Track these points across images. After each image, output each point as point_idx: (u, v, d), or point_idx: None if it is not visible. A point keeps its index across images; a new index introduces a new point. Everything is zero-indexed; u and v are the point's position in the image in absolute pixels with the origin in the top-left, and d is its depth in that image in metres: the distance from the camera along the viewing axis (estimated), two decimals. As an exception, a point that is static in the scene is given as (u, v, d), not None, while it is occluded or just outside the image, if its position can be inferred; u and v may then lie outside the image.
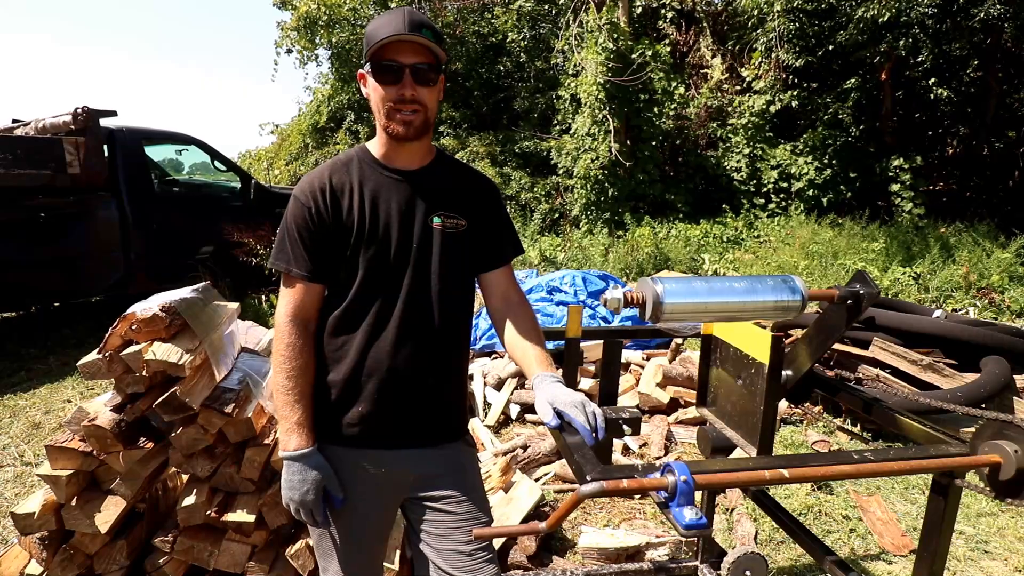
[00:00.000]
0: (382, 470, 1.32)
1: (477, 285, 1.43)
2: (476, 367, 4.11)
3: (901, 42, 8.89)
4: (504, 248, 1.41)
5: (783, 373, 1.60)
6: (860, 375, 3.60)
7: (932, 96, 9.54)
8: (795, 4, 9.38)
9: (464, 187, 1.37)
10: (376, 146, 1.33)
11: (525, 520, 2.44)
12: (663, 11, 11.29)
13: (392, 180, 1.31)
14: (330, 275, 1.30)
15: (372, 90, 1.25)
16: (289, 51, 12.15)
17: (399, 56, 1.20)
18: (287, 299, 1.29)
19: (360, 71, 1.28)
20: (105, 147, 5.21)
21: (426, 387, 1.33)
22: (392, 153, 1.31)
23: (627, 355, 4.31)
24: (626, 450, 3.32)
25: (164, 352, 1.89)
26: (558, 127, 11.65)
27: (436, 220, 1.31)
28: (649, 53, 9.42)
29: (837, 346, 3.80)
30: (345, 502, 1.31)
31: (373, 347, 1.28)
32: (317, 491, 1.26)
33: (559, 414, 1.18)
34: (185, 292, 2.15)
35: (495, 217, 1.40)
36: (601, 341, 1.94)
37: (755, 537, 2.54)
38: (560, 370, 1.77)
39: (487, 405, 3.79)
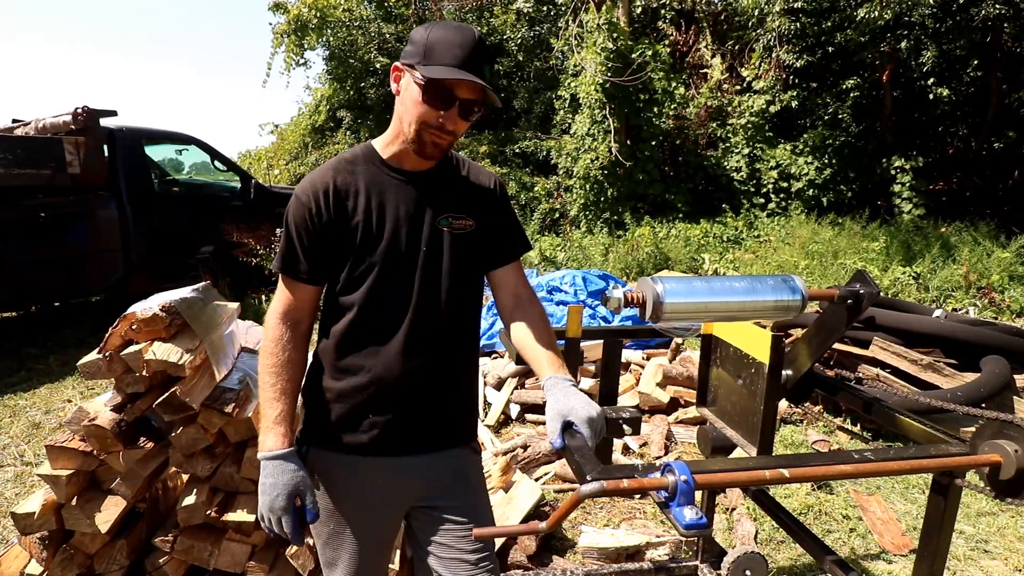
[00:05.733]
0: (392, 479, 1.30)
1: (486, 283, 1.41)
2: (476, 367, 4.11)
3: (903, 43, 8.88)
4: (513, 245, 1.39)
5: (783, 373, 1.60)
6: (860, 375, 3.60)
7: (932, 96, 9.53)
8: (796, 4, 9.38)
9: (471, 186, 1.35)
10: (384, 146, 1.29)
11: (525, 520, 2.44)
12: (663, 11, 11.28)
13: (399, 182, 1.28)
14: (328, 277, 1.28)
15: (411, 100, 1.18)
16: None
17: (456, 89, 1.16)
18: (281, 297, 1.28)
19: (398, 64, 1.20)
20: (105, 147, 5.21)
21: (437, 393, 1.30)
22: (401, 155, 1.28)
23: (627, 355, 4.31)
24: (626, 450, 3.32)
25: (164, 352, 1.89)
26: (558, 127, 11.64)
27: (445, 223, 1.28)
28: (649, 53, 9.41)
29: (837, 346, 3.80)
30: (336, 509, 1.28)
31: (383, 353, 1.25)
32: (288, 498, 1.18)
33: (568, 426, 1.14)
34: (185, 292, 2.15)
35: (502, 214, 1.38)
36: (601, 341, 1.94)
37: (755, 537, 2.54)
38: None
39: (487, 405, 3.79)
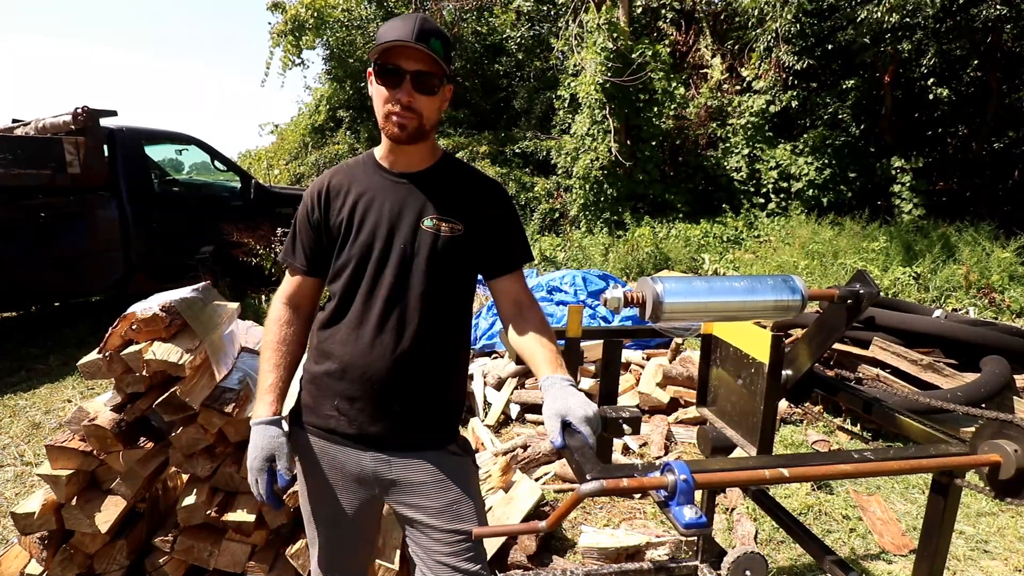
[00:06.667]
0: (356, 468, 1.32)
1: (488, 290, 1.41)
2: (476, 367, 4.11)
3: (905, 44, 8.88)
4: (513, 253, 1.39)
5: (783, 373, 1.60)
6: (860, 375, 3.60)
7: (932, 96, 9.53)
8: (796, 6, 9.38)
9: (466, 191, 1.34)
10: (380, 149, 1.36)
11: (525, 520, 2.44)
12: (663, 11, 11.28)
13: (389, 182, 1.32)
14: (324, 271, 1.38)
15: (373, 90, 1.27)
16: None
17: (402, 61, 1.21)
18: (284, 285, 1.41)
19: (369, 68, 1.28)
20: (105, 147, 5.21)
21: (404, 390, 1.30)
22: (393, 156, 1.33)
23: (627, 355, 4.31)
24: (626, 450, 3.32)
25: (164, 352, 1.89)
26: (558, 127, 11.64)
27: (428, 223, 1.29)
28: (649, 53, 9.41)
29: (837, 346, 3.80)
30: (307, 484, 1.37)
31: (350, 344, 1.30)
32: (263, 460, 1.27)
33: (566, 425, 1.13)
34: (185, 292, 2.15)
35: (502, 222, 1.37)
36: (601, 341, 1.94)
37: (755, 537, 2.54)
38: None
39: (487, 405, 3.79)
